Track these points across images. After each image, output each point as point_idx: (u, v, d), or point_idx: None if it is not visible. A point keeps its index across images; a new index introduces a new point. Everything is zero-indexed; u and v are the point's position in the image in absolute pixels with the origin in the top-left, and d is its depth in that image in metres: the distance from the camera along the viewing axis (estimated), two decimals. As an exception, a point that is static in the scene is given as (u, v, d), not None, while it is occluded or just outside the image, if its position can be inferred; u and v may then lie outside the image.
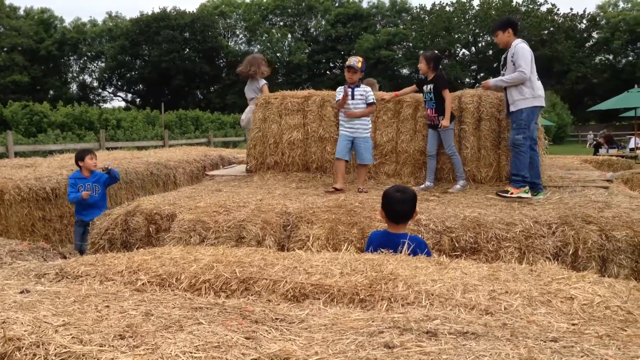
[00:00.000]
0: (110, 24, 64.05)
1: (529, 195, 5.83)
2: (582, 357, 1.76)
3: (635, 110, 21.75)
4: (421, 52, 6.73)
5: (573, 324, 2.20)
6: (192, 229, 5.04)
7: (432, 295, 2.51)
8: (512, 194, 5.80)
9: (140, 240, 5.35)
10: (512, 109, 5.96)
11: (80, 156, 6.80)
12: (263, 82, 7.74)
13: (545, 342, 1.93)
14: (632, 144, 21.41)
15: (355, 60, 6.24)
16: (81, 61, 63.88)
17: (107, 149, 14.05)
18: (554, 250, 4.62)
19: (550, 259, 4.51)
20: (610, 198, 5.64)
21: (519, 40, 6.01)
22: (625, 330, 2.12)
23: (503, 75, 6.08)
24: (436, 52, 6.98)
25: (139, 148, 15.40)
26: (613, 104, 21.57)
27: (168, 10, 57.70)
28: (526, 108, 5.86)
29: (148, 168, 9.11)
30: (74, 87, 63.95)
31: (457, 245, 4.72)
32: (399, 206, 3.73)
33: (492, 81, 6.19)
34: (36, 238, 6.87)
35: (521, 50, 5.86)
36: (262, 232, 4.92)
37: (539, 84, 5.95)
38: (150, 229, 5.41)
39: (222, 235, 4.96)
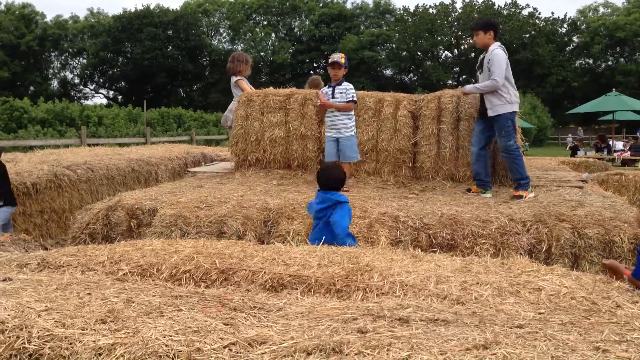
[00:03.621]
0: (92, 20, 63.47)
1: (533, 194, 6.06)
2: (544, 341, 1.85)
3: (613, 114, 22.11)
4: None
5: (539, 313, 2.30)
6: (173, 224, 5.08)
7: (406, 285, 2.60)
8: (525, 197, 5.94)
9: (121, 235, 5.37)
10: (490, 113, 6.10)
11: None
12: (236, 78, 7.73)
13: (511, 328, 2.02)
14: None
15: (338, 57, 6.27)
16: (62, 57, 63.27)
17: (89, 145, 13.98)
18: (528, 247, 4.75)
19: (523, 255, 4.63)
20: (583, 197, 5.78)
21: (496, 45, 6.10)
22: (589, 319, 2.21)
23: (479, 75, 6.30)
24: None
25: (121, 145, 15.31)
26: (591, 107, 21.88)
27: (151, 7, 57.40)
28: (507, 113, 6.05)
29: (130, 164, 9.10)
30: (55, 83, 63.34)
31: (434, 241, 4.82)
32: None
33: (468, 88, 6.43)
34: (16, 233, 6.84)
35: (496, 57, 5.97)
36: (242, 227, 4.98)
37: (514, 91, 6.11)
38: (132, 223, 5.44)
39: (203, 230, 5.00)
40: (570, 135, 43.56)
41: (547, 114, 46.74)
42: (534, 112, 43.13)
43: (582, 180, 7.19)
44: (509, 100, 6.02)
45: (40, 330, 1.82)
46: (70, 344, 1.75)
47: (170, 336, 1.82)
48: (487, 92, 6.07)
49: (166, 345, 1.76)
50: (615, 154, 20.09)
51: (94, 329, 1.86)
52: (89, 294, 2.29)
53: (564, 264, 4.53)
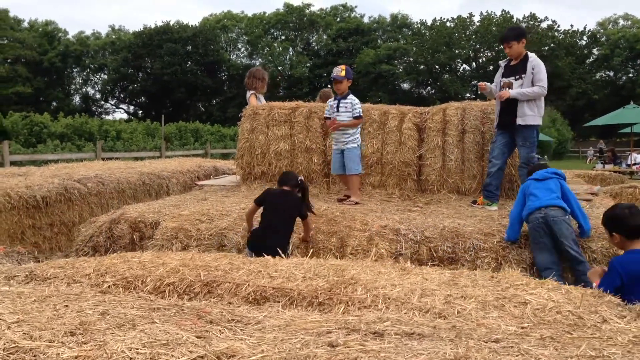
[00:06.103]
0: (113, 36, 64.49)
1: None
2: (517, 356, 1.81)
3: (632, 127, 21.81)
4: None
5: (522, 327, 2.25)
6: (174, 237, 5.09)
7: (389, 299, 2.56)
8: None
9: (124, 248, 5.39)
10: (520, 122, 5.97)
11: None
12: (249, 93, 7.83)
13: (486, 342, 1.98)
14: (629, 160, 21.44)
15: (338, 70, 6.26)
16: (84, 73, 64.28)
17: (103, 159, 14.12)
18: (531, 260, 4.66)
19: (526, 270, 4.55)
20: (590, 210, 5.68)
21: (532, 54, 6.12)
22: (571, 334, 2.16)
23: (512, 82, 6.09)
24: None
25: (136, 159, 15.45)
26: (609, 119, 21.63)
27: (171, 23, 58.16)
28: (535, 125, 6.00)
29: (140, 178, 9.15)
30: (76, 99, 64.34)
31: (435, 255, 4.76)
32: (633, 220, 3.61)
33: (512, 92, 5.98)
34: (26, 246, 6.88)
35: (541, 65, 6.00)
36: (243, 240, 4.96)
37: (543, 105, 6.11)
38: (135, 236, 5.46)
39: (203, 243, 5.01)
40: (591, 148, 43.01)
41: (567, 127, 46.21)
42: (553, 125, 42.65)
43: (592, 194, 7.07)
44: (539, 113, 6.01)
45: (7, 342, 1.81)
46: (34, 356, 1.75)
47: (137, 349, 1.81)
48: (532, 98, 5.94)
49: (130, 358, 1.75)
50: (635, 167, 19.79)
51: (62, 342, 1.86)
52: (66, 306, 2.29)
53: (567, 278, 4.44)
